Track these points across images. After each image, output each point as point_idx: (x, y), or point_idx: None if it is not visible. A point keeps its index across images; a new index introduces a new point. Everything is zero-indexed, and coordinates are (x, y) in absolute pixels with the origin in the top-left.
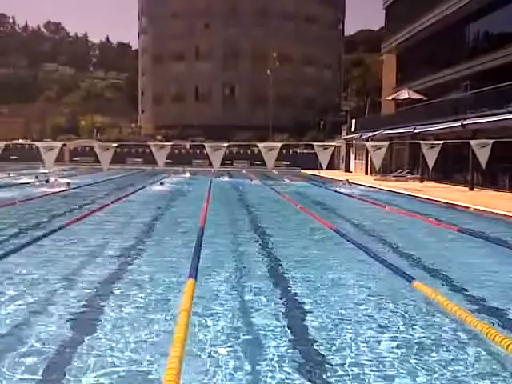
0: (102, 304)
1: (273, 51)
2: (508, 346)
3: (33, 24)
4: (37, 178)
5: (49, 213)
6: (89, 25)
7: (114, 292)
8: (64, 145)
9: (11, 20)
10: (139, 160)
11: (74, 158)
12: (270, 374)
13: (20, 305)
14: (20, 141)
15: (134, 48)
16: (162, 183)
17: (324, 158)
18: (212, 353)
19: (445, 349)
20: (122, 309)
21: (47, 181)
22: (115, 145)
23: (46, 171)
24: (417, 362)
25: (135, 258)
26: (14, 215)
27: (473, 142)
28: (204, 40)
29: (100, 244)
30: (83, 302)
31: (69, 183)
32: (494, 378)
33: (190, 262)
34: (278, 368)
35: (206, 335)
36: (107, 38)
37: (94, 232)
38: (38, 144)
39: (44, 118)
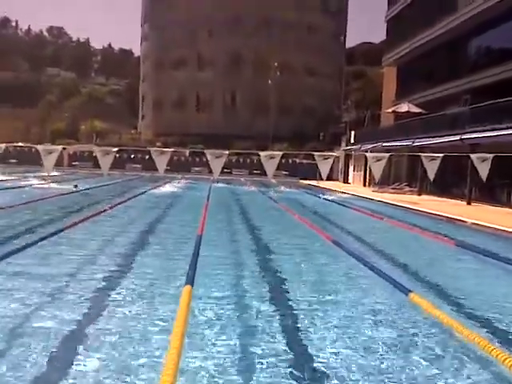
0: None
1: (274, 60)
2: (502, 359)
3: (35, 28)
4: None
5: None
6: (91, 30)
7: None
8: (64, 148)
9: (14, 24)
10: (139, 166)
11: (73, 163)
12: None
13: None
14: (20, 143)
15: (136, 55)
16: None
17: (324, 168)
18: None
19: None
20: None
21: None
22: (116, 149)
23: (49, 174)
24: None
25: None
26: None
27: (473, 156)
28: (206, 48)
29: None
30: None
31: (76, 185)
32: None
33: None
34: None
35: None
36: (109, 44)
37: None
38: (39, 147)
39: (44, 123)
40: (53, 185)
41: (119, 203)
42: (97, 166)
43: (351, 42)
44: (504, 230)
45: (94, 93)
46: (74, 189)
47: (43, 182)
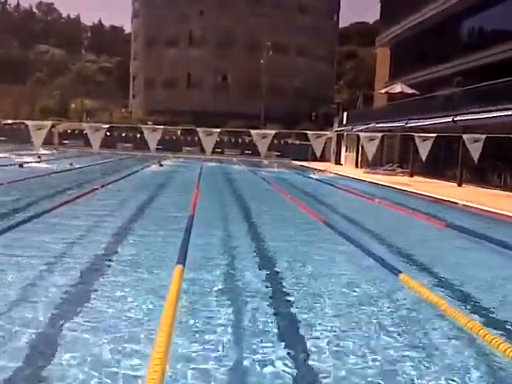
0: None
1: (266, 40)
2: (490, 340)
3: (25, 4)
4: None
5: None
6: (82, 6)
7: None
8: (54, 125)
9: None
10: (129, 145)
11: (64, 141)
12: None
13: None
14: (8, 121)
15: (126, 31)
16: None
17: (318, 146)
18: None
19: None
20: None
21: None
22: (106, 126)
23: (37, 151)
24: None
25: None
26: None
27: (465, 137)
28: (198, 26)
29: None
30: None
31: (71, 163)
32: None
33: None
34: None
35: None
36: (100, 21)
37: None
38: (28, 122)
39: (33, 100)
40: (45, 163)
41: (110, 183)
42: (87, 144)
43: (344, 21)
44: (494, 212)
45: (84, 70)
46: (70, 166)
47: (38, 159)
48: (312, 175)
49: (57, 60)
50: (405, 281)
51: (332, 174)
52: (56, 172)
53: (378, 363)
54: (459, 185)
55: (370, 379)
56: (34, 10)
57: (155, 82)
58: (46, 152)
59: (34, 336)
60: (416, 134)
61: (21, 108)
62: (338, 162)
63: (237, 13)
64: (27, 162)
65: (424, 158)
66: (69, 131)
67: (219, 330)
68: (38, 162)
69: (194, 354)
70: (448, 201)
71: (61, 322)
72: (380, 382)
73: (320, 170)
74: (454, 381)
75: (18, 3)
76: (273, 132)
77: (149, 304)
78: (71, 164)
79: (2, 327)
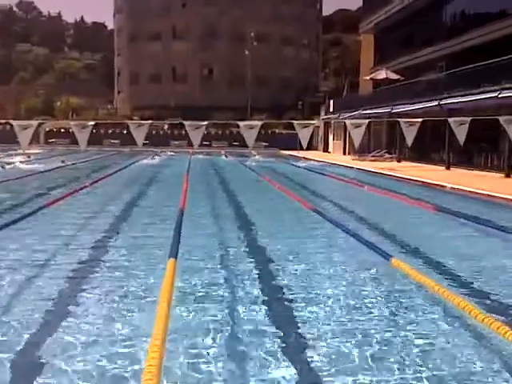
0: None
1: (250, 31)
2: (484, 320)
3: (4, 3)
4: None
5: None
6: (62, 4)
7: None
8: (40, 124)
9: None
10: (116, 141)
11: (50, 140)
12: None
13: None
14: None
15: (109, 27)
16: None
17: (304, 136)
18: None
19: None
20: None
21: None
22: (92, 123)
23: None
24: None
25: None
26: None
27: (451, 120)
28: (181, 19)
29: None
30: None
31: (63, 161)
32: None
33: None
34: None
35: None
36: (82, 18)
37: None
38: (13, 122)
39: (18, 100)
40: (37, 162)
41: (100, 179)
42: (74, 142)
43: (328, 9)
44: (482, 193)
45: (68, 68)
46: (62, 164)
47: (28, 159)
48: (300, 164)
49: (40, 59)
50: (396, 265)
51: (320, 162)
52: (51, 169)
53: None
54: (447, 168)
55: None
56: (15, 9)
57: (140, 77)
58: (34, 151)
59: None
60: (402, 120)
61: (6, 108)
62: (325, 149)
63: (219, 4)
64: (22, 162)
65: (410, 143)
66: (55, 130)
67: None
68: (29, 162)
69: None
70: (437, 184)
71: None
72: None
73: (308, 159)
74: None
75: None
76: (260, 123)
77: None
78: (63, 161)
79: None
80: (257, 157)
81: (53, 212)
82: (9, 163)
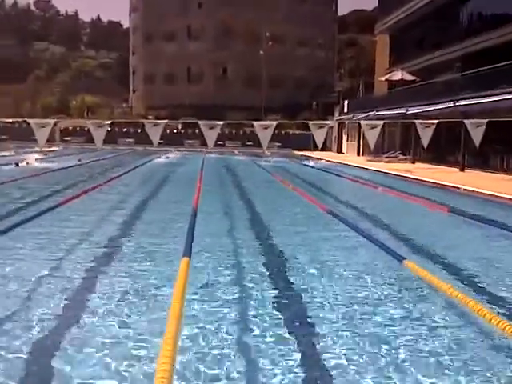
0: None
1: (265, 31)
2: (499, 324)
3: (22, 2)
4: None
5: None
6: (79, 3)
7: None
8: (56, 123)
9: None
10: (131, 140)
11: (65, 138)
12: None
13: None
14: (10, 120)
15: (125, 26)
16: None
17: (319, 137)
18: None
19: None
20: None
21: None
22: (109, 122)
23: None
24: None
25: None
26: None
27: (467, 121)
28: (196, 19)
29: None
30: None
31: (80, 159)
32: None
33: None
34: None
35: None
36: (98, 17)
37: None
38: (31, 121)
39: (34, 98)
40: (55, 161)
41: (115, 177)
42: (89, 140)
43: (343, 9)
44: (497, 196)
45: (84, 66)
46: (79, 162)
47: (45, 156)
48: (314, 164)
49: (56, 57)
50: (409, 267)
51: (334, 163)
52: (69, 167)
53: None
54: (462, 170)
55: None
56: (32, 7)
57: (155, 77)
58: (51, 149)
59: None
60: (417, 121)
61: (22, 106)
62: (339, 150)
63: (235, 4)
64: (39, 159)
65: (426, 145)
66: (70, 128)
67: None
68: (47, 159)
69: None
70: (452, 186)
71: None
72: None
73: (322, 159)
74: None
75: (15, 1)
76: (274, 123)
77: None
78: (79, 160)
79: None
80: (270, 157)
81: (66, 210)
82: (27, 160)
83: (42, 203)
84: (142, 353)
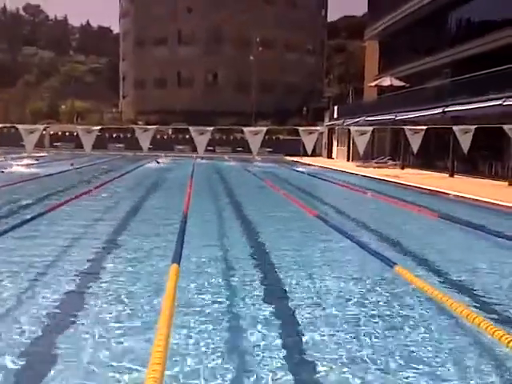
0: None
1: (256, 36)
2: (488, 328)
3: (11, 6)
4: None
5: None
6: (69, 8)
7: None
8: (45, 128)
9: None
10: (121, 145)
11: (55, 144)
12: None
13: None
14: None
15: (115, 32)
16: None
17: (309, 142)
18: None
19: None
20: None
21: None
22: (98, 127)
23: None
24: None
25: None
26: None
27: (456, 128)
28: (186, 24)
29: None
30: None
31: (72, 164)
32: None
33: None
34: None
35: None
36: (88, 22)
37: None
38: (19, 126)
39: (23, 103)
40: (47, 165)
41: (106, 182)
42: (78, 146)
43: (333, 15)
44: (485, 201)
45: (73, 72)
46: (71, 167)
47: (36, 161)
48: (303, 170)
49: (45, 62)
50: (399, 273)
51: (324, 169)
52: (63, 172)
53: None
54: (451, 175)
55: None
56: (21, 12)
57: (145, 82)
58: (41, 154)
59: None
60: (407, 127)
61: (11, 111)
62: (329, 156)
63: (225, 9)
64: (30, 164)
65: (415, 150)
66: (59, 133)
67: None
68: (38, 165)
69: None
70: (442, 192)
71: None
72: None
73: (312, 165)
74: None
75: (4, 6)
76: (264, 129)
77: None
78: (72, 164)
79: None
80: (260, 163)
81: (57, 215)
82: (17, 166)
83: (28, 210)
84: (131, 358)
